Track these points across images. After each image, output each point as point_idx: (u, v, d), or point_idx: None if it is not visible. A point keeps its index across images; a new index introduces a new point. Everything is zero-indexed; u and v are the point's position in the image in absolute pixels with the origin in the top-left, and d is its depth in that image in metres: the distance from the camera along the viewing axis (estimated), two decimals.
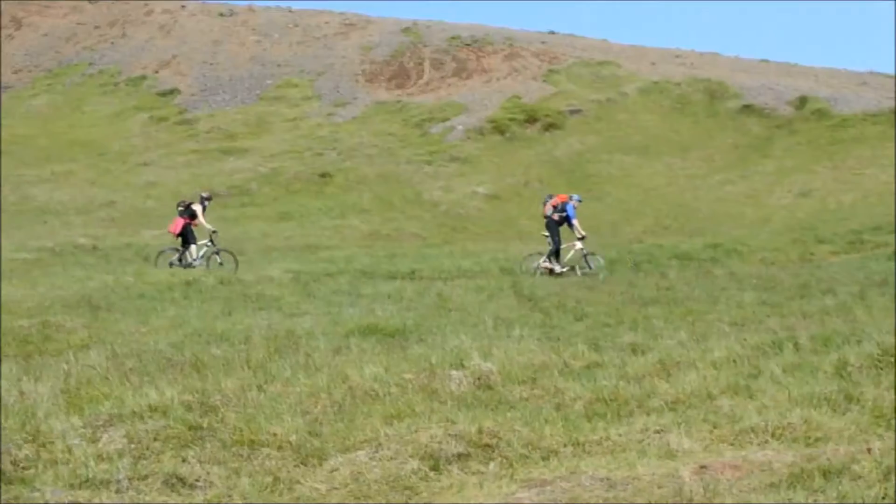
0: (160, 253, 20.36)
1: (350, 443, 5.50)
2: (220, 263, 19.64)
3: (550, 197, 20.20)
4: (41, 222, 28.80)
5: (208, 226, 20.29)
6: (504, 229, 29.90)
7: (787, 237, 24.39)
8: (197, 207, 20.30)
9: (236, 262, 19.64)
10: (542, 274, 18.78)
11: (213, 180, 34.94)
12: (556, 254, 19.38)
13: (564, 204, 19.58)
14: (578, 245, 19.63)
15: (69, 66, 52.61)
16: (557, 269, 19.13)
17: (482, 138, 39.51)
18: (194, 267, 19.28)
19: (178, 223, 20.01)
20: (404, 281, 17.15)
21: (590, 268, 19.09)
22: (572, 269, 19.28)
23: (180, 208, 20.52)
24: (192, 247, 19.96)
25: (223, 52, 52.59)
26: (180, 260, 19.75)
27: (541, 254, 19.59)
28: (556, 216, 19.54)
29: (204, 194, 21.27)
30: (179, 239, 20.11)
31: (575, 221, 19.53)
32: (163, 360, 8.21)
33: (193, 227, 20.17)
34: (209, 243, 20.21)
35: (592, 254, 19.54)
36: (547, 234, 19.56)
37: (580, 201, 20.28)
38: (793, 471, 4.70)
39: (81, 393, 6.82)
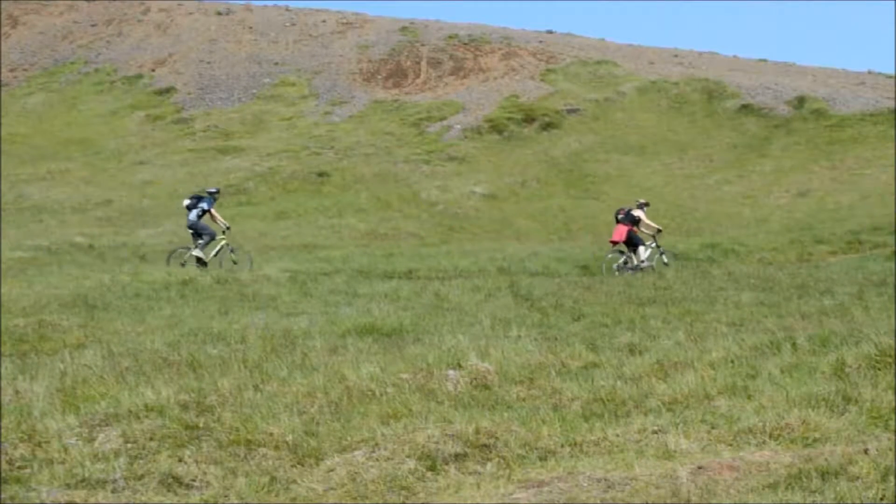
0: (172, 252, 19.95)
1: (347, 443, 5.49)
2: (235, 262, 19.40)
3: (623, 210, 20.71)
4: (37, 221, 28.75)
5: (223, 222, 20.04)
6: (501, 229, 29.91)
7: (785, 237, 24.41)
8: (203, 204, 19.85)
9: (251, 260, 19.42)
10: (621, 273, 19.06)
11: (210, 179, 34.89)
12: (635, 251, 19.98)
13: (629, 210, 20.34)
14: (653, 243, 20.39)
15: (65, 65, 52.54)
16: (635, 262, 19.65)
17: (479, 137, 39.52)
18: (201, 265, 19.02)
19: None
20: (401, 280, 17.14)
21: (664, 263, 19.85)
22: (649, 265, 19.79)
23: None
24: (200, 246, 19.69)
25: (220, 51, 52.55)
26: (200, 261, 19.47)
27: (622, 253, 19.98)
28: (627, 224, 20.04)
29: (212, 189, 20.89)
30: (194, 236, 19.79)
31: (647, 220, 20.34)
32: (159, 359, 8.20)
33: (213, 222, 19.88)
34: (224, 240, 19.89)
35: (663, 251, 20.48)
36: (629, 247, 19.94)
37: (647, 205, 21.20)
38: (790, 471, 4.69)
39: (77, 392, 6.80)
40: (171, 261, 19.22)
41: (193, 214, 19.67)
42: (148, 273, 17.45)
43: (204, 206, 19.66)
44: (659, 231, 20.69)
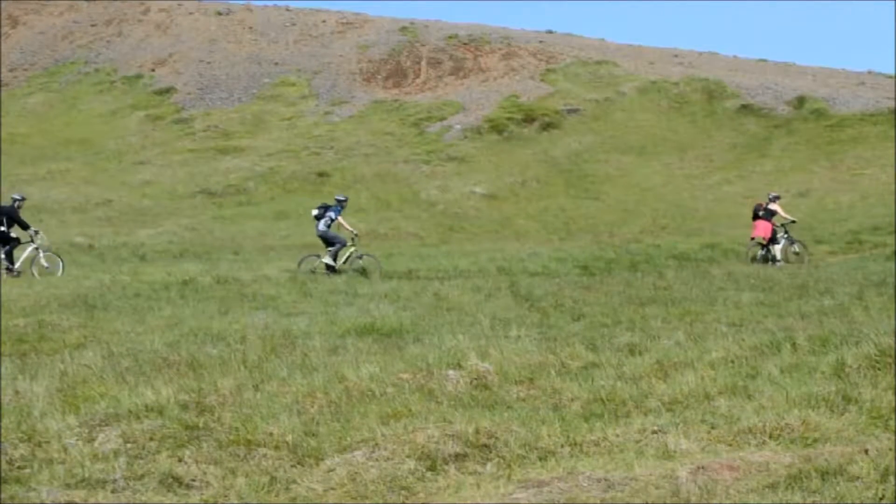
0: (303, 259, 19.69)
1: (347, 443, 5.49)
2: (364, 268, 19.33)
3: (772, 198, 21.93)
4: (37, 221, 28.71)
5: (351, 229, 19.91)
6: (501, 229, 29.91)
7: None
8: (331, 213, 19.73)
9: (380, 265, 19.44)
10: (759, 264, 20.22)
11: (210, 179, 34.95)
12: (772, 242, 21.15)
13: (766, 205, 21.55)
14: (785, 233, 21.38)
15: (65, 65, 52.52)
16: (777, 256, 20.79)
17: (479, 138, 39.51)
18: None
19: None
20: (401, 280, 17.15)
21: (795, 253, 21.09)
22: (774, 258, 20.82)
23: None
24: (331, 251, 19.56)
25: (220, 51, 52.54)
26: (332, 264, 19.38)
27: (762, 245, 21.07)
28: (767, 220, 21.27)
29: (340, 197, 20.75)
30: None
31: (783, 213, 21.47)
32: (159, 359, 8.20)
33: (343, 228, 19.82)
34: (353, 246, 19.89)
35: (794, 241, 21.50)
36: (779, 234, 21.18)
37: (779, 198, 22.27)
38: (790, 472, 4.69)
39: (77, 392, 6.80)
40: (301, 267, 19.18)
41: (322, 224, 19.69)
42: (148, 273, 17.47)
43: (332, 214, 19.70)
44: (793, 222, 21.60)
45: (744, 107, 41.96)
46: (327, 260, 19.32)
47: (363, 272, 19.14)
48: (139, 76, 49.88)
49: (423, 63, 49.92)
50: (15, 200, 20.21)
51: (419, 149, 38.45)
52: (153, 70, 50.51)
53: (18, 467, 5.16)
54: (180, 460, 5.25)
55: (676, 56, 52.76)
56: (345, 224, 19.79)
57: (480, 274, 18.61)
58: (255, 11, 59.28)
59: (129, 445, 5.50)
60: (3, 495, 4.76)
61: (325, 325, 10.46)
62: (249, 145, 39.75)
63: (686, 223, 29.90)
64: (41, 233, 20.23)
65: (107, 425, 5.88)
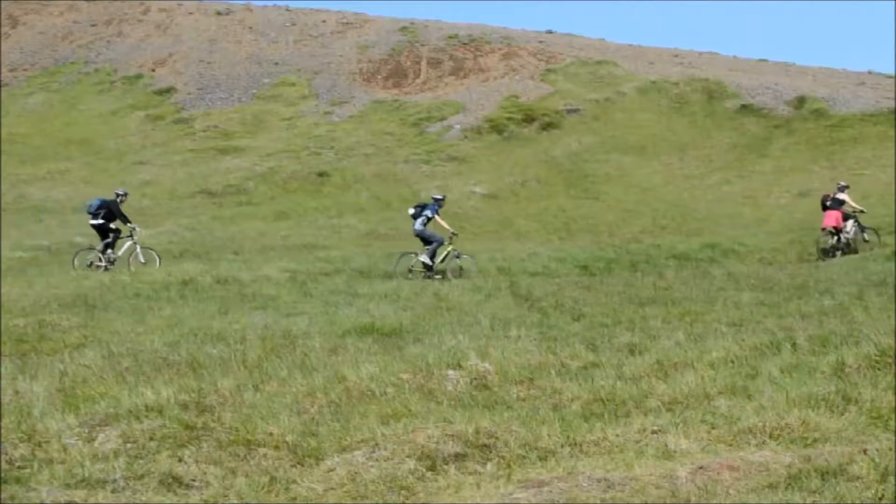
0: (401, 257, 19.58)
1: (347, 443, 5.49)
2: (462, 268, 19.37)
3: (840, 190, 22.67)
4: (37, 221, 28.75)
5: (448, 228, 19.91)
6: (501, 229, 29.89)
7: (785, 237, 24.40)
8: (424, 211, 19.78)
9: (475, 264, 19.43)
10: (832, 256, 20.87)
11: (210, 179, 34.94)
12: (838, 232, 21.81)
13: (834, 195, 22.29)
14: (854, 223, 22.16)
15: (65, 65, 52.50)
16: (846, 241, 21.63)
17: (479, 138, 39.49)
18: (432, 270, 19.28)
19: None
20: (401, 280, 17.16)
21: (864, 240, 21.86)
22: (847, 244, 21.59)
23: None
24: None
25: (220, 51, 52.52)
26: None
27: (832, 234, 21.64)
28: (836, 209, 21.94)
29: (437, 196, 20.88)
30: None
31: (851, 202, 22.23)
32: (159, 359, 8.20)
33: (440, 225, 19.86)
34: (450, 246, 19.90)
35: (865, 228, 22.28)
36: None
37: (847, 187, 22.95)
38: (790, 472, 4.69)
39: (77, 392, 6.80)
40: (398, 266, 19.16)
41: (419, 223, 19.77)
42: (148, 273, 17.47)
43: (428, 213, 19.79)
44: (862, 212, 22.23)
45: (744, 107, 41.93)
46: (424, 258, 19.42)
47: (460, 271, 19.28)
48: (139, 76, 49.86)
49: (423, 63, 49.91)
50: (118, 195, 20.98)
51: (419, 149, 38.42)
52: (153, 70, 50.48)
53: (18, 467, 5.16)
54: (180, 460, 5.25)
55: (676, 56, 52.73)
56: (442, 222, 19.89)
57: (480, 274, 18.63)
58: (255, 11, 59.25)
59: (129, 445, 5.50)
60: (3, 495, 4.76)
61: (325, 325, 10.46)
62: (249, 145, 39.73)
63: (686, 223, 29.88)
64: (139, 228, 20.95)
65: (107, 425, 5.88)
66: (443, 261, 19.65)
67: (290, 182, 34.74)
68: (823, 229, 21.92)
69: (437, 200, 20.33)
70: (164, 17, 57.61)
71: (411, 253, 19.86)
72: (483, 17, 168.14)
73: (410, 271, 18.99)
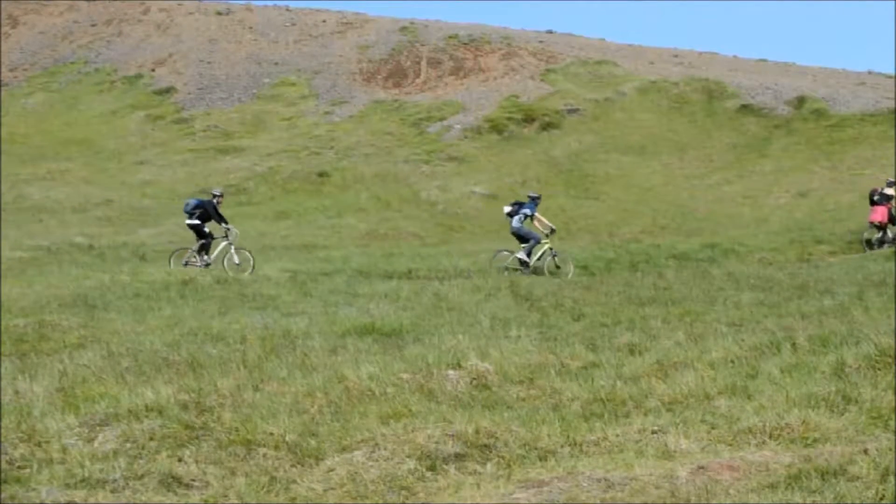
0: (496, 253, 19.97)
1: (347, 443, 5.49)
2: (558, 266, 19.44)
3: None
4: (37, 221, 28.72)
5: (548, 224, 20.01)
6: (501, 229, 29.78)
7: (785, 237, 24.40)
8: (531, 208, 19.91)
9: (573, 266, 19.48)
10: (879, 247, 21.50)
11: (210, 179, 34.91)
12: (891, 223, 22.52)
13: (882, 190, 22.76)
14: None
15: (65, 65, 52.49)
16: (890, 237, 22.21)
17: (479, 137, 39.48)
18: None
19: None
20: (401, 280, 17.15)
21: None
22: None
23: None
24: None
25: (220, 51, 52.50)
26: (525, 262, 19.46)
27: (879, 228, 22.31)
28: (884, 204, 22.50)
29: (534, 194, 20.93)
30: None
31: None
32: (158, 359, 8.20)
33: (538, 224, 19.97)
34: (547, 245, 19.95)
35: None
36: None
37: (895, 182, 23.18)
38: (790, 471, 4.69)
39: (77, 392, 6.80)
40: (494, 263, 19.25)
41: (516, 220, 19.88)
42: (148, 273, 17.46)
43: (526, 211, 19.89)
44: None
45: (744, 107, 41.92)
46: (521, 256, 19.50)
47: (557, 269, 19.31)
48: (139, 76, 49.84)
49: (423, 63, 49.89)
50: (215, 196, 20.67)
51: (419, 149, 38.41)
52: (153, 70, 50.47)
53: (18, 467, 5.16)
54: (180, 460, 5.25)
55: (676, 56, 52.72)
56: (542, 219, 19.96)
57: (480, 274, 18.61)
58: (255, 11, 59.24)
59: (128, 445, 5.50)
60: (3, 495, 4.76)
61: (325, 325, 10.46)
62: (249, 145, 39.72)
63: (686, 223, 29.88)
64: (234, 229, 20.51)
65: (106, 425, 5.87)
66: (539, 258, 19.67)
67: (290, 182, 34.73)
68: (871, 223, 22.54)
69: (533, 199, 20.33)
70: (164, 17, 57.59)
71: (505, 250, 19.89)
72: (483, 17, 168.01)
73: (506, 269, 18.98)
